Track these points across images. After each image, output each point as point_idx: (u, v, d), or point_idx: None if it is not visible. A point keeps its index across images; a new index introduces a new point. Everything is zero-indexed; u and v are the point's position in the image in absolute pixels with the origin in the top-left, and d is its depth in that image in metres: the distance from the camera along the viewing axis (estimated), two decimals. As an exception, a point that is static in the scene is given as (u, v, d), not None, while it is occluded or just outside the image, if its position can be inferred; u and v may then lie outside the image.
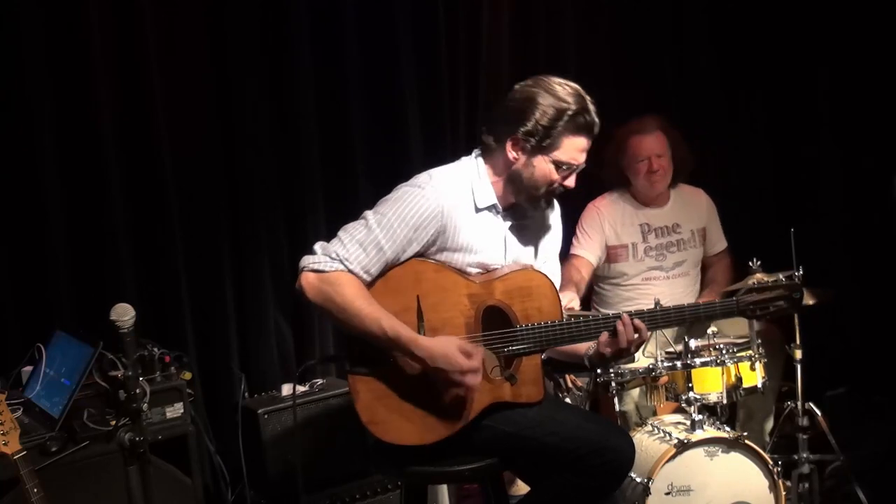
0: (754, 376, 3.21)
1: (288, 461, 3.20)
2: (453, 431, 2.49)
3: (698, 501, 3.07)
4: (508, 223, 2.63)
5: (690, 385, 3.16)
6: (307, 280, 2.44)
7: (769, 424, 3.72)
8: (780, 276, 2.65)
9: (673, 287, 3.71)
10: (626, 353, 2.56)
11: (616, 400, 3.34)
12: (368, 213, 2.49)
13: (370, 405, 2.46)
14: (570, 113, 2.49)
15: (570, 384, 3.46)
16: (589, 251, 3.70)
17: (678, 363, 3.16)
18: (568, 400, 3.33)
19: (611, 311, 2.62)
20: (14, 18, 3.18)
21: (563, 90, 2.52)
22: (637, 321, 2.52)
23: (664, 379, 3.22)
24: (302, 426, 3.26)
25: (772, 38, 4.54)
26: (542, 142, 2.50)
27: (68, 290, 3.32)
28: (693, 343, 3.18)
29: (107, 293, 3.25)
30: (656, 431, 3.20)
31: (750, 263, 3.09)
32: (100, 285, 3.35)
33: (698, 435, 3.10)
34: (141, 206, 3.46)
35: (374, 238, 2.43)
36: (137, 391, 2.39)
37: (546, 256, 2.76)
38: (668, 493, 3.05)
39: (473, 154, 2.64)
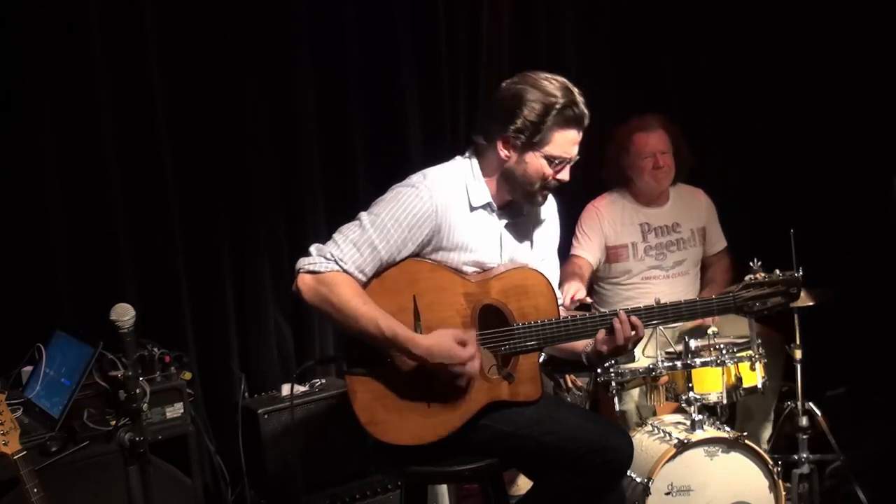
0: (754, 376, 3.21)
1: (288, 461, 3.20)
2: (451, 431, 2.48)
3: (698, 501, 3.07)
4: (504, 221, 2.63)
5: (690, 385, 3.16)
6: (303, 281, 2.44)
7: (769, 424, 3.72)
8: (778, 272, 2.65)
9: (673, 286, 3.71)
10: (624, 350, 2.56)
11: (616, 400, 3.33)
12: (363, 214, 2.50)
13: (368, 405, 2.46)
14: (558, 107, 2.48)
15: (570, 384, 3.46)
16: (588, 252, 3.71)
17: (678, 363, 3.17)
18: (568, 400, 3.33)
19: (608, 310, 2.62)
20: (14, 18, 3.18)
21: (549, 85, 2.50)
22: (634, 318, 2.52)
23: (664, 379, 3.22)
24: (302, 426, 3.26)
25: (772, 38, 4.54)
26: (533, 138, 2.49)
27: (68, 290, 3.33)
28: (693, 343, 3.19)
29: (107, 293, 3.25)
30: (656, 431, 3.20)
31: (750, 263, 3.08)
32: (100, 285, 3.35)
33: (698, 435, 3.10)
34: (141, 206, 3.46)
35: (369, 238, 2.44)
36: (137, 391, 2.39)
37: (543, 254, 2.76)
38: (668, 493, 3.05)
39: (466, 154, 2.64)
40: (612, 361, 3.15)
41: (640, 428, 3.29)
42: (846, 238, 4.44)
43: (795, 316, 3.39)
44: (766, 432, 3.71)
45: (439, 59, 4.00)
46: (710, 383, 3.19)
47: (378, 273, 2.48)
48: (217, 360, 3.60)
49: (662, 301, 2.61)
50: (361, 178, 3.83)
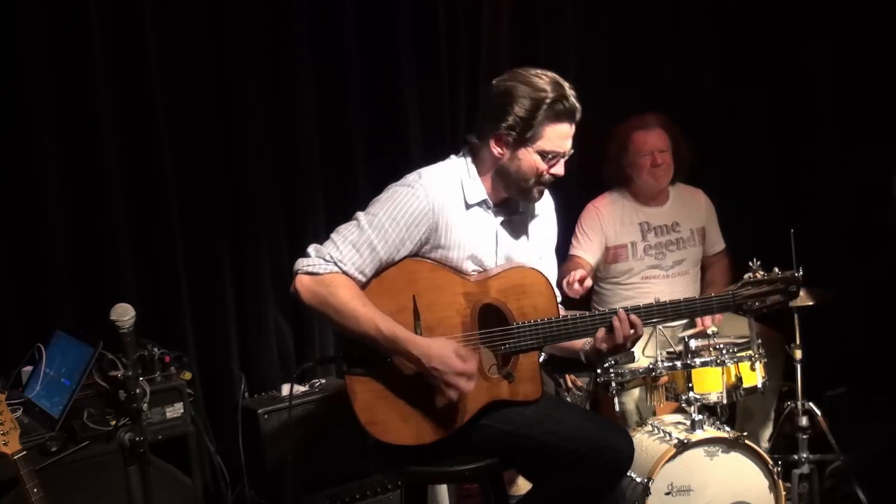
0: (754, 376, 3.21)
1: (288, 461, 3.20)
2: (451, 431, 2.49)
3: (698, 501, 3.07)
4: (500, 219, 2.63)
5: (690, 385, 3.16)
6: (302, 283, 2.44)
7: (769, 425, 3.72)
8: (777, 270, 2.65)
9: (673, 286, 3.71)
10: (623, 349, 2.56)
11: (616, 400, 3.33)
12: (360, 214, 2.50)
13: (368, 406, 2.46)
14: (548, 101, 2.47)
15: (570, 384, 3.46)
16: (588, 252, 3.71)
17: (678, 363, 3.17)
18: (568, 400, 3.33)
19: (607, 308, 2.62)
20: (14, 18, 3.18)
21: (539, 80, 2.50)
22: (633, 317, 2.53)
23: (664, 379, 3.22)
24: (302, 426, 3.27)
25: (772, 38, 4.54)
26: (524, 134, 2.49)
27: (68, 290, 3.32)
28: (693, 343, 3.19)
29: (107, 293, 3.25)
30: (656, 431, 3.20)
31: (750, 263, 3.08)
32: (100, 285, 3.35)
33: (698, 435, 3.10)
34: (141, 206, 3.46)
35: (367, 238, 2.44)
36: (137, 391, 2.39)
37: (541, 252, 2.75)
38: (668, 493, 3.05)
39: (461, 153, 2.64)
40: (613, 361, 3.15)
41: (640, 428, 3.29)
42: (846, 238, 4.44)
43: (795, 316, 3.39)
44: (766, 432, 3.71)
45: (439, 59, 4.00)
46: (710, 383, 3.19)
47: (377, 273, 2.48)
48: (217, 360, 3.60)
49: (662, 300, 2.61)
50: (361, 178, 3.83)
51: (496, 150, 2.54)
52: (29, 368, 3.11)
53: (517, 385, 2.54)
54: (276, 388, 3.49)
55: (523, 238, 2.68)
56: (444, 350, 2.40)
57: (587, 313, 2.58)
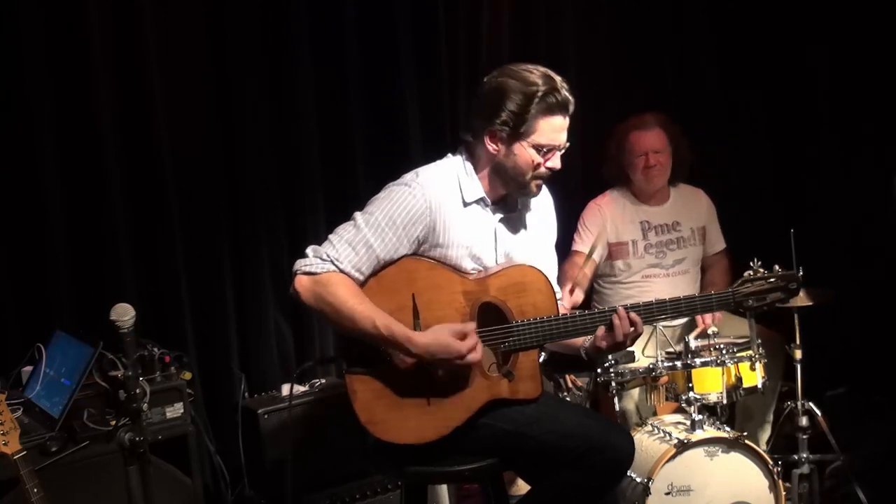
0: (754, 376, 3.21)
1: (288, 461, 3.20)
2: (452, 429, 2.48)
3: (698, 501, 3.07)
4: (498, 216, 2.63)
5: (690, 385, 3.16)
6: (300, 283, 2.45)
7: (769, 425, 3.72)
8: (777, 268, 2.65)
9: (673, 285, 3.71)
10: (623, 347, 2.56)
11: (616, 400, 3.34)
12: (357, 214, 2.50)
13: (368, 405, 2.46)
14: (539, 94, 2.47)
15: (570, 384, 3.46)
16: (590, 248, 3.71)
17: (678, 363, 3.17)
18: (568, 399, 3.33)
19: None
20: (14, 18, 3.18)
21: (530, 74, 2.50)
22: (633, 314, 2.53)
23: (664, 379, 3.23)
24: (302, 426, 3.26)
25: (772, 38, 4.54)
26: (518, 128, 2.49)
27: (68, 290, 3.32)
28: (693, 343, 3.19)
29: (107, 293, 3.25)
30: (656, 431, 3.20)
31: (751, 263, 3.09)
32: (100, 285, 3.35)
33: (698, 435, 3.10)
34: (141, 206, 3.46)
35: (364, 237, 2.44)
36: (137, 391, 2.39)
37: (541, 249, 2.75)
38: (668, 493, 3.05)
39: (457, 152, 2.65)
40: (613, 361, 3.15)
41: (640, 428, 3.29)
42: (846, 238, 4.44)
43: (795, 316, 3.39)
44: (766, 432, 3.71)
45: (439, 59, 4.00)
46: (710, 383, 3.19)
47: (376, 272, 2.48)
48: (217, 360, 3.60)
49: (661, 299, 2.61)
50: (361, 178, 3.83)
51: (491, 146, 2.54)
52: (29, 368, 3.11)
53: (517, 383, 2.54)
54: (276, 388, 3.49)
55: (522, 235, 2.68)
56: (442, 338, 2.40)
57: (587, 311, 2.58)
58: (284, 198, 3.75)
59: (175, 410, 3.07)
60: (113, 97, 3.37)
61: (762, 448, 3.52)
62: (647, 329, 3.05)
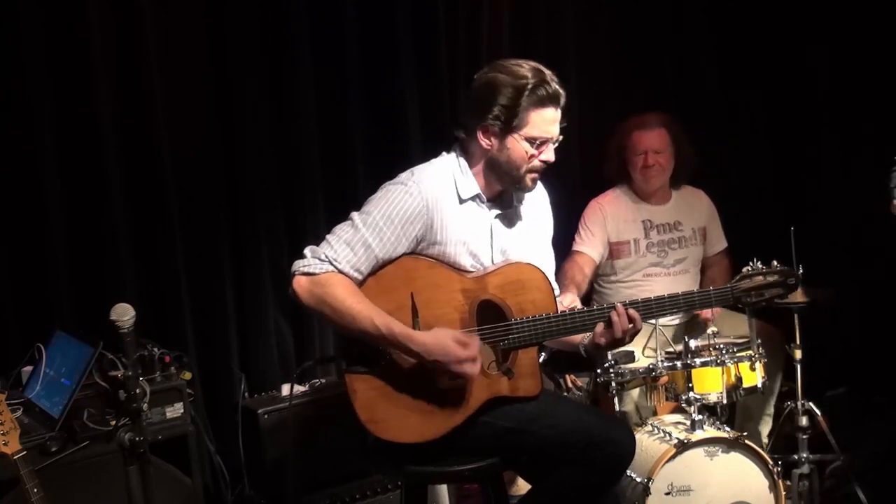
0: (754, 376, 3.21)
1: (288, 461, 3.20)
2: (452, 427, 2.49)
3: (698, 501, 3.07)
4: (494, 212, 2.63)
5: (690, 385, 3.16)
6: (299, 284, 2.45)
7: (769, 424, 3.72)
8: (775, 263, 2.66)
9: (674, 284, 3.70)
10: (622, 343, 2.56)
11: (616, 400, 3.34)
12: (354, 214, 2.51)
13: (368, 404, 2.46)
14: (529, 87, 2.48)
15: (570, 384, 3.46)
16: (591, 248, 3.72)
17: (678, 363, 3.17)
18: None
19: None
20: (14, 18, 3.18)
21: (518, 68, 2.51)
22: (632, 311, 2.53)
23: (664, 379, 3.22)
24: (302, 426, 3.26)
25: (772, 38, 4.54)
26: (510, 122, 2.50)
27: (68, 290, 3.32)
28: (693, 343, 3.19)
29: (107, 293, 3.25)
30: (656, 431, 3.20)
31: (750, 263, 3.09)
32: (100, 285, 3.35)
33: (698, 435, 3.10)
34: (141, 206, 3.46)
35: (362, 237, 2.44)
36: (137, 391, 2.39)
37: (537, 245, 2.75)
38: (668, 493, 3.05)
39: (451, 150, 2.65)
40: (613, 361, 3.15)
41: (640, 428, 3.29)
42: (846, 238, 4.44)
43: (795, 316, 3.39)
44: (767, 426, 3.71)
45: (439, 59, 4.00)
46: (710, 383, 3.19)
47: (374, 271, 2.48)
48: (217, 360, 3.60)
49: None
50: (361, 178, 3.83)
51: (484, 141, 2.54)
52: (29, 368, 3.11)
53: (517, 381, 2.54)
54: (276, 388, 3.49)
55: (519, 231, 2.68)
56: (443, 341, 2.40)
57: (586, 308, 2.59)
58: (284, 198, 3.75)
59: (175, 410, 3.07)
60: (113, 97, 3.37)
61: (763, 441, 3.53)
62: (647, 329, 3.06)
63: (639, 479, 3.04)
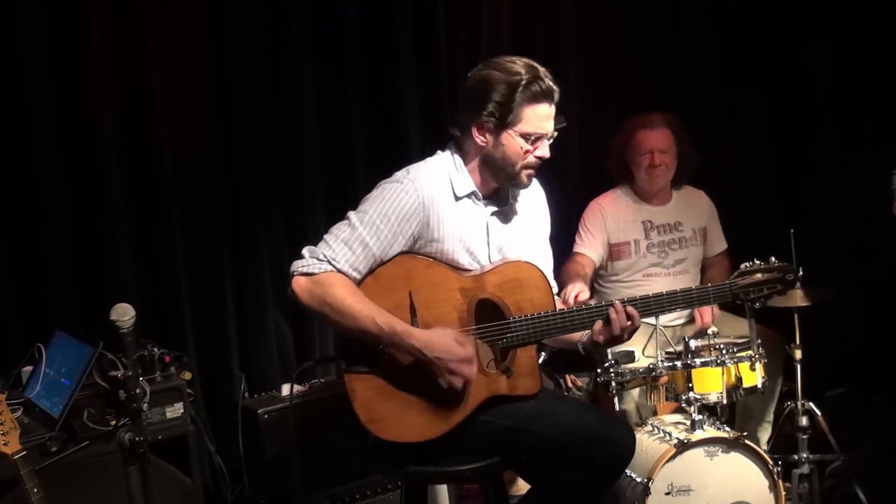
0: (754, 376, 3.21)
1: (288, 461, 3.20)
2: (451, 426, 2.49)
3: (698, 501, 3.07)
4: (491, 209, 2.63)
5: (690, 385, 3.16)
6: (298, 284, 2.45)
7: (769, 425, 3.72)
8: (773, 259, 2.65)
9: (674, 284, 3.67)
10: (620, 341, 2.56)
11: (616, 400, 3.33)
12: (351, 213, 2.51)
13: (368, 404, 2.46)
14: (523, 83, 2.48)
15: (570, 384, 3.46)
16: (591, 249, 3.71)
17: (678, 363, 3.17)
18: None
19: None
20: (14, 18, 3.18)
21: (512, 65, 2.52)
22: (630, 308, 2.53)
23: (664, 379, 3.22)
24: (302, 426, 3.26)
25: (772, 38, 4.54)
26: (504, 118, 2.50)
27: (68, 290, 3.32)
28: (693, 343, 3.19)
29: (107, 293, 3.25)
30: (656, 431, 3.20)
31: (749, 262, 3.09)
32: (100, 285, 3.35)
33: (698, 435, 3.10)
34: (141, 206, 3.46)
35: (359, 236, 2.44)
36: (137, 391, 2.39)
37: (534, 243, 2.75)
38: (668, 493, 3.05)
39: (446, 148, 2.65)
40: (613, 361, 3.15)
41: (640, 428, 3.29)
42: (846, 238, 4.44)
43: (795, 316, 3.39)
44: (766, 432, 3.71)
45: (439, 59, 4.00)
46: (710, 383, 3.19)
47: (372, 270, 2.49)
48: (217, 360, 3.60)
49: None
50: (361, 178, 3.82)
51: (479, 138, 2.55)
52: (29, 368, 3.11)
53: (516, 380, 2.55)
54: (276, 388, 3.49)
55: (515, 229, 2.68)
56: (444, 338, 2.41)
57: (584, 306, 2.59)
58: (284, 198, 3.75)
59: (175, 410, 3.07)
60: (113, 97, 3.37)
61: (763, 448, 3.53)
62: (647, 329, 3.06)
63: (639, 479, 3.04)
